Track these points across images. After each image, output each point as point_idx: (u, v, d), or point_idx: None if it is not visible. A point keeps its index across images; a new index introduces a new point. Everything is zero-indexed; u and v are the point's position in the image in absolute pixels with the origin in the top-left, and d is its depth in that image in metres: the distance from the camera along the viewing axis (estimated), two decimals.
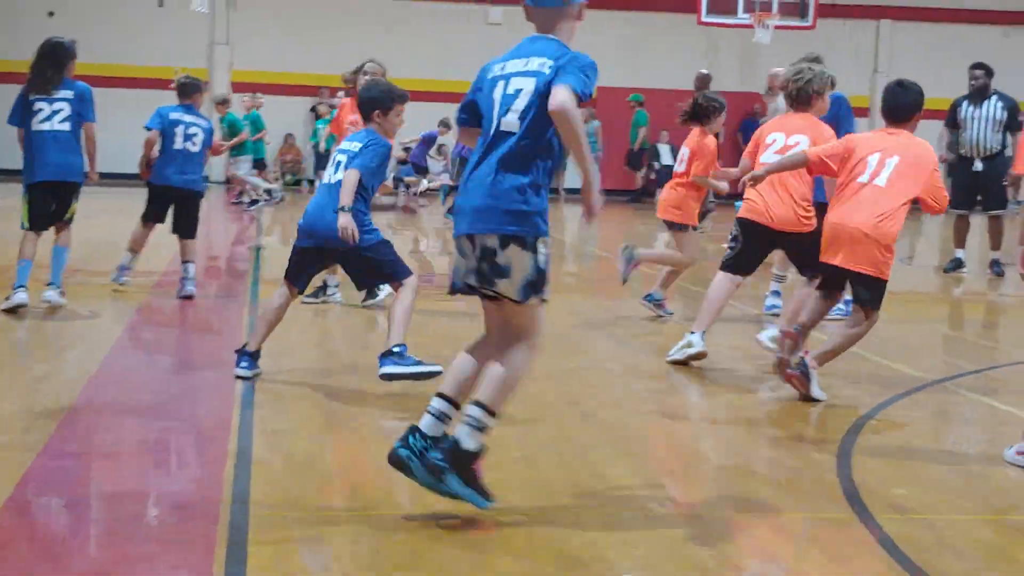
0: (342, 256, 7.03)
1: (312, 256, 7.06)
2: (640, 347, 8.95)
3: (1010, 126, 13.76)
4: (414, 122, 26.62)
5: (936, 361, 8.91)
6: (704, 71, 17.63)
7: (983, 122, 13.80)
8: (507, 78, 4.67)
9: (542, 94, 4.55)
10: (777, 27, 25.01)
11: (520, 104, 4.60)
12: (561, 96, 4.45)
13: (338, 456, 5.75)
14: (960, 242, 14.11)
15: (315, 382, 7.14)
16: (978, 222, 14.67)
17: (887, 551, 4.55)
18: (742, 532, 4.80)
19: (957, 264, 14.00)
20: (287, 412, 6.42)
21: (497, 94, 4.67)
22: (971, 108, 13.87)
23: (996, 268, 13.78)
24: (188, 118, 10.14)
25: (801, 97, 7.74)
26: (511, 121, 4.60)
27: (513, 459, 5.50)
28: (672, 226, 9.79)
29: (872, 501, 5.10)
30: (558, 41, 4.74)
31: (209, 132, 10.30)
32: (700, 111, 9.51)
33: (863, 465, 5.69)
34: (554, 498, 5.01)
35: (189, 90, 10.20)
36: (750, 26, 24.93)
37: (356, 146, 7.02)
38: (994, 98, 13.85)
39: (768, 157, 7.65)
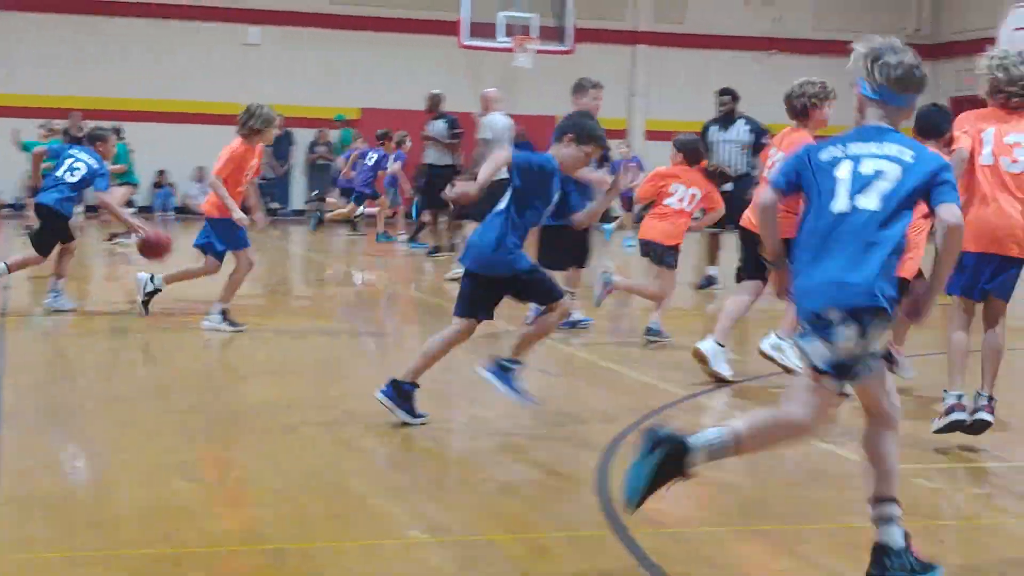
0: (510, 283, 6.78)
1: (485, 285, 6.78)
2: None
3: (756, 149, 14.27)
4: (177, 144, 26.37)
5: (687, 375, 9.12)
6: (436, 91, 17.77)
7: (731, 145, 14.29)
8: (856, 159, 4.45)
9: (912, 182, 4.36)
10: (538, 51, 25.47)
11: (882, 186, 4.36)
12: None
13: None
14: (712, 259, 14.59)
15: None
16: (729, 239, 15.15)
17: (643, 566, 4.64)
18: (500, 553, 4.82)
19: (709, 281, 14.45)
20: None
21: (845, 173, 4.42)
22: (719, 131, 14.35)
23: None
24: None
25: (792, 107, 8.18)
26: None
27: (273, 491, 5.42)
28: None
29: (629, 517, 5.19)
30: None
31: None
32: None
33: (621, 482, 5.77)
34: (313, 530, 4.96)
35: None
36: (511, 50, 25.30)
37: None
38: (741, 121, 14.37)
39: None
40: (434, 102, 17.74)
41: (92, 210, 19.02)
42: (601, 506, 5.35)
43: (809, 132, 8.17)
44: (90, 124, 16.14)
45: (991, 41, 23.45)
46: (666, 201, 10.23)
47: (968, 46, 27.31)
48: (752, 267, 8.30)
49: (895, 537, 4.34)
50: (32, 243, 11.07)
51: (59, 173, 10.84)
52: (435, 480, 5.99)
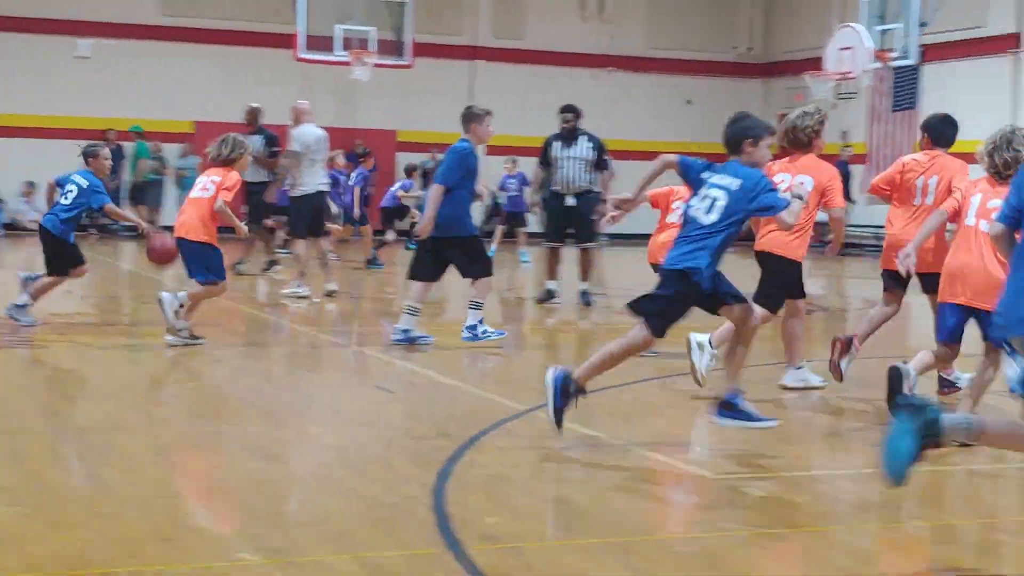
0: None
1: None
2: (240, 390, 8.84)
3: (599, 165, 14.45)
4: (5, 159, 25.65)
5: (530, 391, 9.18)
6: (255, 104, 17.55)
7: (575, 161, 14.43)
8: None
9: None
10: (376, 65, 25.41)
11: None
12: None
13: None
14: (552, 274, 14.72)
15: None
16: (569, 254, 15.30)
17: None
18: (333, 573, 4.78)
19: (549, 295, 14.56)
20: None
21: None
22: (563, 148, 14.47)
23: (585, 298, 14.43)
24: None
25: (799, 140, 8.63)
26: None
27: (101, 514, 5.30)
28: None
29: (464, 532, 5.19)
30: None
31: None
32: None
33: (457, 497, 5.79)
34: (142, 553, 4.85)
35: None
36: (348, 63, 25.19)
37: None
38: (583, 138, 14.51)
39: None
40: (252, 116, 17.41)
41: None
42: (437, 523, 5.34)
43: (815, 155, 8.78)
44: None
45: (819, 60, 24.22)
46: (668, 218, 10.70)
47: (798, 65, 28.11)
48: (766, 294, 8.64)
49: None
50: (45, 266, 11.36)
51: (59, 197, 11.27)
52: (267, 500, 5.91)
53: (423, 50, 27.35)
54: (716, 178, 6.86)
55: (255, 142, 16.89)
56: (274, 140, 17.19)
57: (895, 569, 5.00)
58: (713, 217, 6.74)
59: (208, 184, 10.49)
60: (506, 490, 6.01)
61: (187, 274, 10.64)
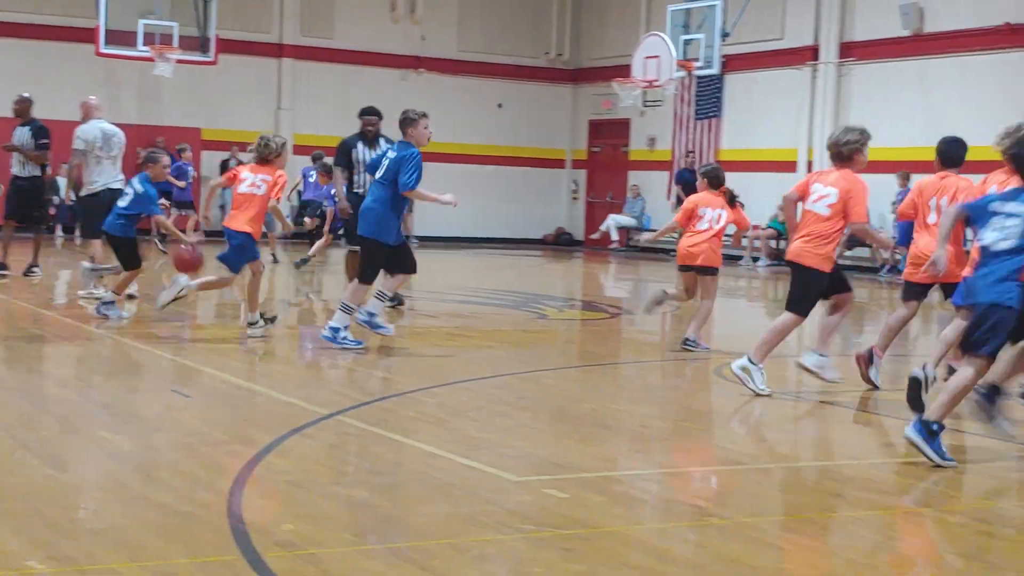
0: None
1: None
2: (32, 394, 8.57)
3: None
4: None
5: (332, 394, 9.14)
6: (25, 94, 16.88)
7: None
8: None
9: None
10: (179, 61, 24.93)
11: None
12: None
13: None
14: (352, 276, 14.66)
15: None
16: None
17: None
18: None
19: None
20: None
21: None
22: (367, 151, 14.40)
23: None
24: None
25: (840, 154, 9.13)
26: None
27: None
28: (703, 271, 11.71)
29: (260, 540, 5.13)
30: None
31: None
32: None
33: (254, 504, 5.72)
34: None
35: None
36: (151, 59, 24.68)
37: None
38: (382, 140, 14.50)
39: (814, 206, 9.06)
40: (21, 107, 16.68)
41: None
42: (232, 530, 5.26)
43: (854, 172, 9.23)
44: None
45: (627, 68, 24.66)
46: (697, 225, 11.76)
47: (606, 72, 28.58)
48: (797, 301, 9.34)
49: None
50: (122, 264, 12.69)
51: (119, 199, 12.65)
52: (58, 508, 5.74)
53: (228, 47, 26.95)
54: (1010, 206, 7.16)
55: (22, 134, 16.26)
56: (42, 132, 16.37)
57: (692, 566, 5.10)
58: (1012, 243, 7.08)
59: (259, 182, 11.39)
60: (305, 496, 5.95)
61: (220, 260, 11.54)
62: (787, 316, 9.31)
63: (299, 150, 29.16)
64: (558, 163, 32.74)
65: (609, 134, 31.49)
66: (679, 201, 26.47)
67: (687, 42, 23.77)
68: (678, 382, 11.05)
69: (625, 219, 29.69)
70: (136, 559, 4.90)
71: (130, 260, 12.69)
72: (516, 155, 31.00)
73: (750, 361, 9.25)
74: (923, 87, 23.90)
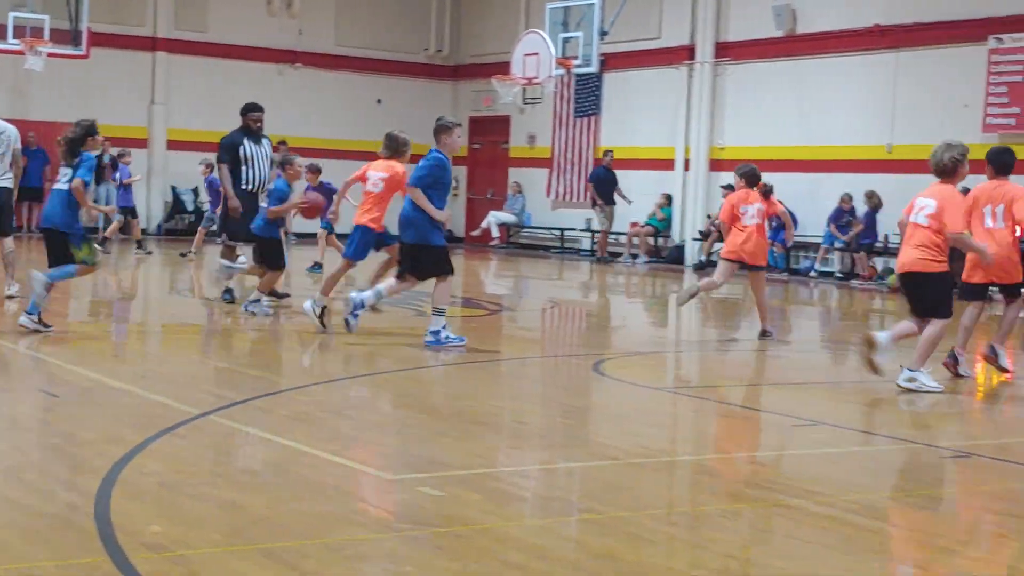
0: None
1: None
2: None
3: (282, 164, 14.41)
4: None
5: (205, 393, 9.00)
6: None
7: (263, 159, 14.37)
8: None
9: None
10: (50, 55, 24.47)
11: None
12: None
13: None
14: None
15: None
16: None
17: None
18: None
19: (232, 294, 14.36)
20: None
21: None
22: (254, 146, 14.31)
23: (282, 296, 14.41)
24: None
25: (944, 168, 9.80)
26: None
27: None
28: (753, 268, 13.11)
29: (128, 542, 5.02)
30: None
31: None
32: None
33: (122, 505, 5.60)
34: None
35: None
36: (21, 52, 24.19)
37: None
38: (264, 138, 14.48)
39: (916, 217, 9.77)
40: None
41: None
42: (99, 532, 5.15)
43: (955, 185, 9.96)
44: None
45: (507, 65, 24.69)
46: (743, 222, 12.91)
47: (486, 69, 28.55)
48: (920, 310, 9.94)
49: None
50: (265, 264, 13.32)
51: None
52: None
53: (101, 40, 26.52)
54: None
55: None
56: None
57: (568, 563, 5.11)
58: None
59: (377, 180, 12.42)
60: (175, 497, 5.85)
61: (346, 254, 12.63)
62: (936, 323, 9.79)
63: (174, 146, 28.84)
64: None
65: (489, 131, 31.52)
66: (594, 203, 26.61)
67: (566, 40, 23.84)
68: (557, 378, 11.09)
69: (506, 216, 29.73)
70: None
71: (274, 260, 13.26)
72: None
73: (912, 370, 9.78)
74: (796, 87, 24.29)
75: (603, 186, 26.46)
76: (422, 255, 11.42)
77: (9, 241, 13.99)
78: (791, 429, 8.60)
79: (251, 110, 14.51)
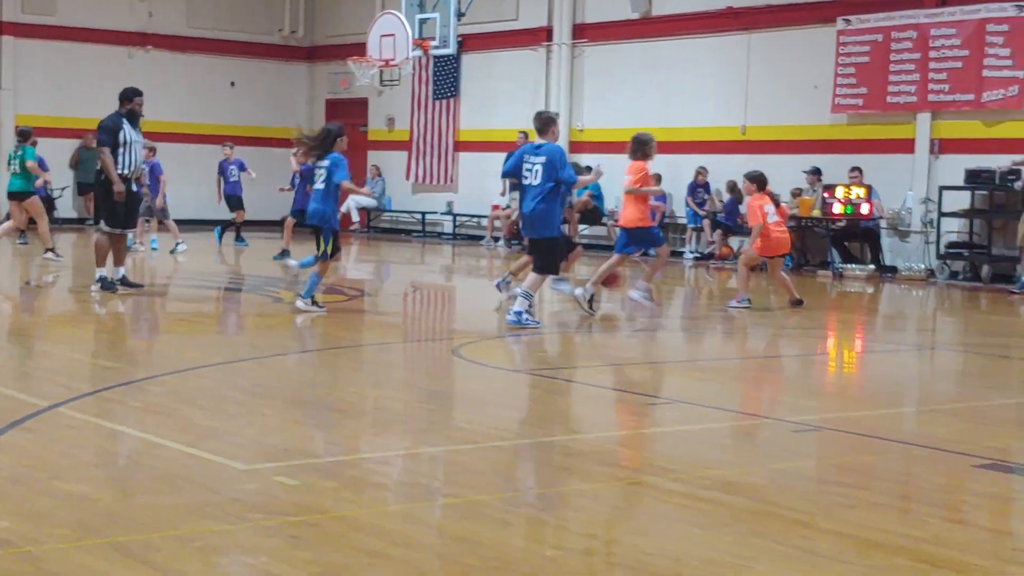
0: None
1: None
2: None
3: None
4: None
5: (53, 384, 8.80)
6: None
7: (140, 145, 14.24)
8: None
9: None
10: None
11: None
12: None
13: None
14: (101, 262, 14.30)
15: None
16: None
17: None
18: None
19: (109, 283, 14.18)
20: None
21: None
22: (133, 131, 14.12)
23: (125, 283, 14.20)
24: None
25: None
26: None
27: None
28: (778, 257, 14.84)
29: None
30: None
31: None
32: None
33: None
34: None
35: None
36: None
37: None
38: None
39: None
40: None
41: None
42: None
43: None
44: None
45: (363, 46, 24.57)
46: (768, 220, 14.29)
47: (342, 50, 28.40)
48: None
49: None
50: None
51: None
52: None
53: None
54: None
55: None
56: None
57: (424, 547, 5.13)
58: None
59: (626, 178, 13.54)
60: (22, 492, 5.73)
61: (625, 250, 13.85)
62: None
63: (38, 132, 28.10)
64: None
65: (347, 114, 31.24)
66: (514, 187, 26.17)
67: (423, 21, 23.81)
68: (417, 364, 11.09)
69: (366, 200, 29.55)
70: None
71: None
72: (251, 135, 30.33)
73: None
74: (652, 69, 24.55)
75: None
76: (547, 247, 12.44)
77: None
78: (647, 408, 8.72)
79: (133, 95, 14.37)
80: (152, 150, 20.53)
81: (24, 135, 18.99)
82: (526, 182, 12.30)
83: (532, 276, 12.44)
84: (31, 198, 18.75)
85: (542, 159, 12.16)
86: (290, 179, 21.95)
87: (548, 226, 12.32)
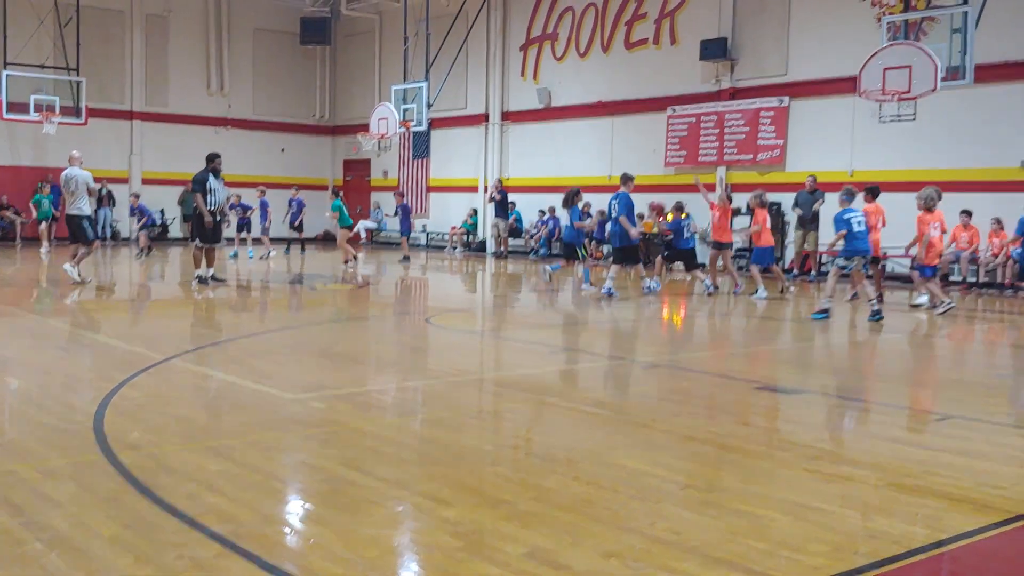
0: None
1: None
2: None
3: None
4: None
5: (165, 343, 8.64)
6: None
7: (222, 190, 14.14)
8: None
9: None
10: (60, 123, 23.31)
11: None
12: None
13: None
14: (197, 265, 14.04)
15: None
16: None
17: (124, 477, 4.36)
18: (14, 479, 4.32)
19: (206, 280, 13.93)
20: None
21: None
22: (215, 181, 13.90)
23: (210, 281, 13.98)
24: None
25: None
26: None
27: None
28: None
29: (115, 444, 4.86)
30: None
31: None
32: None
33: (112, 420, 5.40)
34: None
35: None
36: (41, 122, 23.08)
37: None
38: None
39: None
40: None
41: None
42: (96, 438, 4.96)
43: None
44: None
45: (367, 125, 24.23)
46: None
47: (354, 127, 28.14)
48: None
49: None
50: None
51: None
52: None
53: (94, 112, 25.26)
54: None
55: None
56: None
57: (405, 446, 5.09)
58: None
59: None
60: (147, 414, 5.66)
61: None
62: None
63: (146, 182, 27.61)
64: (324, 188, 31.92)
65: (357, 168, 31.03)
66: (496, 214, 24.71)
67: (406, 109, 23.60)
68: (403, 329, 11.04)
69: (370, 223, 29.29)
70: (25, 462, 4.56)
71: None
72: (295, 183, 29.99)
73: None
74: (551, 140, 24.53)
75: (499, 207, 25.30)
76: (629, 250, 13.68)
77: (83, 247, 13.57)
78: (547, 354, 8.74)
79: (216, 157, 14.17)
80: (263, 191, 20.63)
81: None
82: (612, 213, 13.68)
83: (613, 267, 13.62)
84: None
85: (617, 200, 13.59)
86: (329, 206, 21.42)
87: (621, 238, 13.63)
